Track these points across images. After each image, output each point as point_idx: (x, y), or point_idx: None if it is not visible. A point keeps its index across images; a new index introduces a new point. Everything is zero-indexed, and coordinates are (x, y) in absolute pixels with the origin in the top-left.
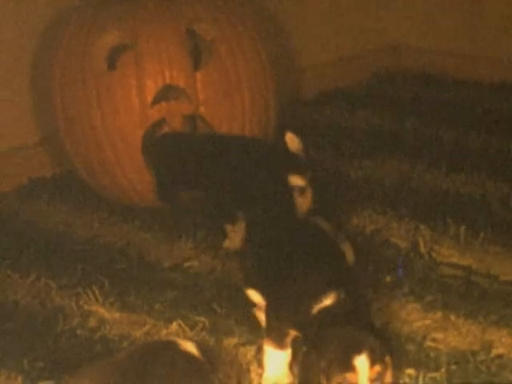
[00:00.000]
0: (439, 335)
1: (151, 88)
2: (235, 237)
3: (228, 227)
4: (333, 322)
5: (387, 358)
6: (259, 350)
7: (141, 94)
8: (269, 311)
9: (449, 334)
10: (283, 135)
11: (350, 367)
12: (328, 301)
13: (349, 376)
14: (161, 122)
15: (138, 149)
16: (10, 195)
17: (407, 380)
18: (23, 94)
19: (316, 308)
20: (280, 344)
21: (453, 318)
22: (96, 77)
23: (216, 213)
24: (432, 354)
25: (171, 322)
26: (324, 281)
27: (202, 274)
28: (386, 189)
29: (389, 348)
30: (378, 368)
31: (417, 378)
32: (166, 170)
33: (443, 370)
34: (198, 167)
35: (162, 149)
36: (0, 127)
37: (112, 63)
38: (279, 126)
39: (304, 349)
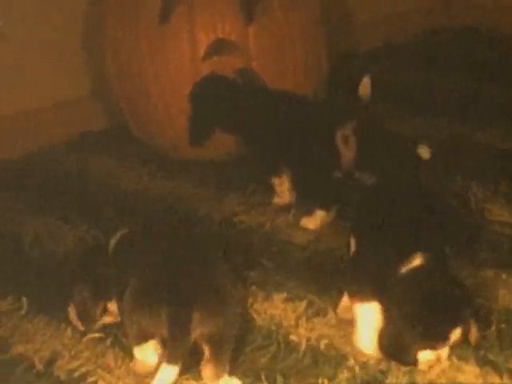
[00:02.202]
0: (490, 293)
1: (203, 42)
2: (283, 191)
3: (275, 181)
4: (421, 283)
5: (472, 321)
6: (309, 306)
7: (192, 48)
8: (355, 264)
9: (500, 293)
10: (361, 78)
11: (446, 339)
12: (417, 261)
13: (439, 346)
14: None
15: (188, 102)
16: (59, 148)
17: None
18: (74, 47)
19: (404, 268)
20: (367, 297)
21: (504, 276)
22: (148, 30)
23: (261, 165)
24: (482, 312)
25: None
26: (414, 241)
27: (252, 229)
28: (437, 147)
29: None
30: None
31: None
32: (205, 108)
33: (493, 328)
34: (242, 114)
35: (206, 88)
36: (50, 81)
37: (164, 17)
38: (331, 81)
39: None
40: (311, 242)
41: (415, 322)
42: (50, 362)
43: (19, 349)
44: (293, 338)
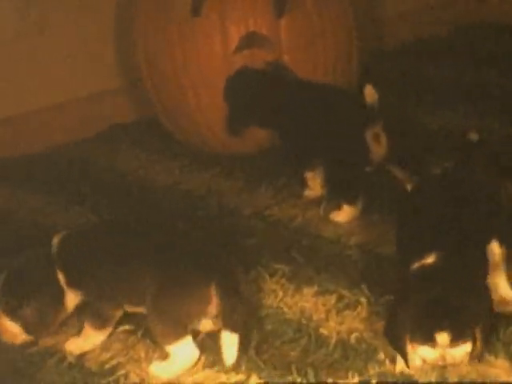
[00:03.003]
0: None
1: (234, 35)
2: (315, 185)
3: (307, 175)
4: (432, 282)
5: (477, 331)
6: (339, 299)
7: (224, 42)
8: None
9: None
10: (363, 87)
11: (430, 340)
12: (430, 259)
13: (428, 348)
14: None
15: (220, 96)
16: (90, 141)
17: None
18: (106, 39)
19: (416, 264)
20: None
21: None
22: (179, 23)
23: (294, 159)
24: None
25: (251, 269)
26: (429, 238)
27: (282, 222)
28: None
29: (484, 316)
30: (460, 342)
31: (497, 331)
32: (241, 101)
33: None
34: (276, 107)
35: (242, 81)
36: (81, 73)
37: (196, 10)
38: (361, 75)
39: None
40: (341, 236)
41: (405, 318)
42: (81, 354)
43: (50, 341)
44: (323, 331)
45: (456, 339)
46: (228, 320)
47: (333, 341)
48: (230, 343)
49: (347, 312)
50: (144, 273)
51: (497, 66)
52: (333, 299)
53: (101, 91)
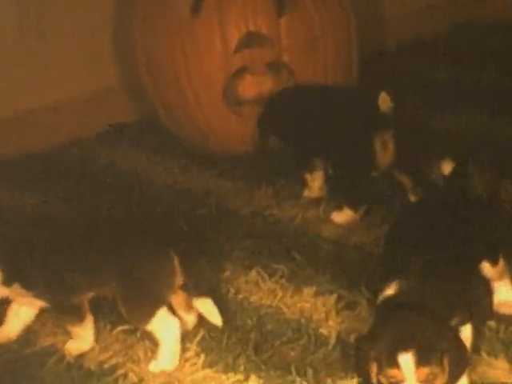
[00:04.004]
0: None
1: (234, 35)
2: (314, 186)
3: (307, 176)
4: (395, 312)
5: (446, 360)
6: (338, 299)
7: (224, 41)
8: None
9: None
10: (377, 94)
11: (394, 364)
12: (390, 290)
13: (393, 372)
14: (243, 70)
15: (220, 96)
16: (90, 141)
17: (487, 332)
18: (104, 39)
19: (381, 297)
20: None
21: None
22: (179, 23)
23: (295, 161)
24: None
25: (250, 269)
26: (388, 269)
27: (282, 222)
28: (467, 141)
29: (454, 347)
30: (426, 369)
31: (497, 330)
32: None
33: None
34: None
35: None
36: (81, 72)
37: (196, 9)
38: (361, 76)
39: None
40: (341, 236)
41: (371, 347)
42: (80, 354)
43: (49, 341)
44: (323, 331)
45: (422, 363)
46: (197, 287)
47: (332, 341)
48: (207, 309)
49: (347, 312)
50: (103, 260)
51: (496, 65)
52: (332, 299)
53: (100, 90)
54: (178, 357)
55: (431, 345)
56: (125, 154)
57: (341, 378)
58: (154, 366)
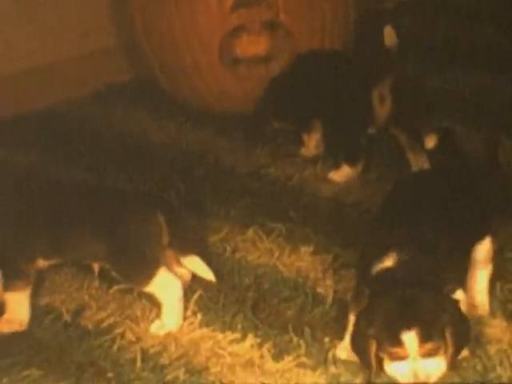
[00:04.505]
0: None
1: None
2: (311, 145)
3: (305, 136)
4: (393, 285)
5: (448, 333)
6: (335, 258)
7: (220, 0)
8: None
9: None
10: (382, 29)
11: (397, 342)
12: (388, 262)
13: (396, 350)
14: (240, 29)
15: (216, 55)
16: (86, 99)
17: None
18: None
19: (376, 268)
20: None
21: None
22: None
23: (293, 121)
24: (510, 266)
25: (247, 228)
26: (387, 239)
27: (279, 182)
28: (466, 99)
29: (455, 319)
30: (429, 345)
31: (494, 289)
32: None
33: None
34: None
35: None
36: (78, 32)
37: None
38: (358, 35)
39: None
40: (338, 195)
41: (370, 324)
42: (78, 313)
43: (46, 300)
44: (320, 290)
45: (425, 339)
46: (182, 243)
47: (329, 300)
48: (196, 266)
49: (344, 271)
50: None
51: (495, 24)
52: (329, 258)
53: (97, 50)
54: (181, 316)
55: (433, 320)
56: (121, 113)
57: (338, 337)
58: (158, 328)
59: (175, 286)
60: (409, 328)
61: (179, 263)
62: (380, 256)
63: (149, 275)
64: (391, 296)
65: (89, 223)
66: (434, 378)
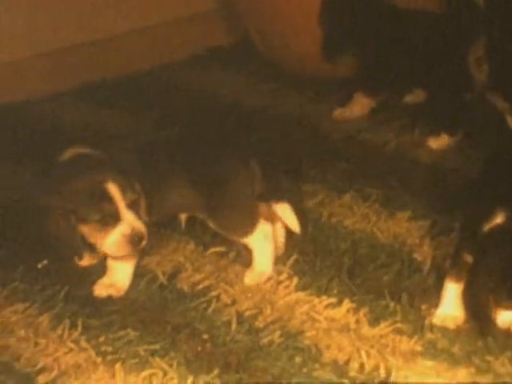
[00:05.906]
0: None
1: None
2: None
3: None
4: (505, 240)
5: None
6: (433, 224)
7: None
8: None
9: None
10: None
11: None
12: (498, 219)
13: None
14: None
15: (315, 19)
16: (184, 64)
17: None
18: None
19: (485, 228)
20: (458, 276)
21: None
22: None
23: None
24: None
25: (344, 193)
26: (493, 199)
27: (376, 147)
28: None
29: None
30: None
31: None
32: (337, 26)
33: None
34: (372, 34)
35: (339, 5)
36: None
37: None
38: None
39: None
40: (435, 161)
41: (488, 278)
42: (173, 275)
43: (142, 262)
44: (417, 256)
45: None
46: (275, 191)
47: (427, 267)
48: (285, 214)
49: (441, 237)
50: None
51: None
52: (427, 224)
53: (194, 14)
54: (272, 261)
55: None
56: (217, 77)
57: (435, 305)
58: (250, 278)
59: (267, 232)
60: None
61: (272, 215)
62: (487, 216)
63: (251, 228)
64: (506, 250)
65: (187, 175)
66: None
